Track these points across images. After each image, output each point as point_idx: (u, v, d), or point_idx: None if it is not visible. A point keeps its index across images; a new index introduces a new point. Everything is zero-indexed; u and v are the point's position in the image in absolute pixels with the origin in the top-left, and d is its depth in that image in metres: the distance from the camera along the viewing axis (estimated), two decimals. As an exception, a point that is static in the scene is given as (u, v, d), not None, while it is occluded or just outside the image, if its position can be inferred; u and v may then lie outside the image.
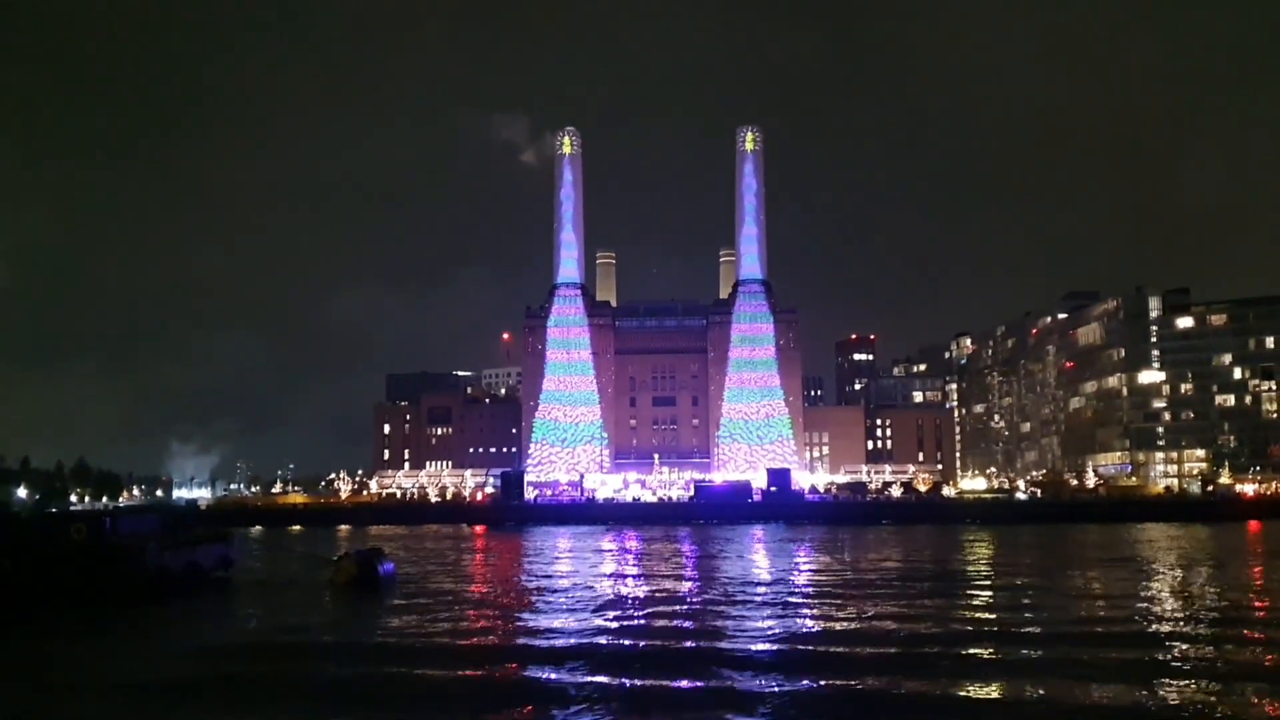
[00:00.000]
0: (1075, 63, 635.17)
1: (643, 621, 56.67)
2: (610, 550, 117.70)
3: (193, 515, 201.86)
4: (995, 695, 38.48)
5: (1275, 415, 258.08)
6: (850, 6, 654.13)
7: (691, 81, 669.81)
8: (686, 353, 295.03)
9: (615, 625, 55.31)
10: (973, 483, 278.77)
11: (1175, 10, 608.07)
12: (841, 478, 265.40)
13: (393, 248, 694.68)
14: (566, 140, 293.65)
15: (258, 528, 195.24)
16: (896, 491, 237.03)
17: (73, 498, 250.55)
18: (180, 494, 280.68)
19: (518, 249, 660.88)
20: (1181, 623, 55.08)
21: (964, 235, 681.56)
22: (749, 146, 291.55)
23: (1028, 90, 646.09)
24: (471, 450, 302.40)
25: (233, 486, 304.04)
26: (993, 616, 58.10)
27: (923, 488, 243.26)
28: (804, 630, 53.43)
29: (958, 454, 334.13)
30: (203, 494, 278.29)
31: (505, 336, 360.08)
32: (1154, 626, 53.80)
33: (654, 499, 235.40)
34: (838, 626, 54.54)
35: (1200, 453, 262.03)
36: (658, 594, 70.19)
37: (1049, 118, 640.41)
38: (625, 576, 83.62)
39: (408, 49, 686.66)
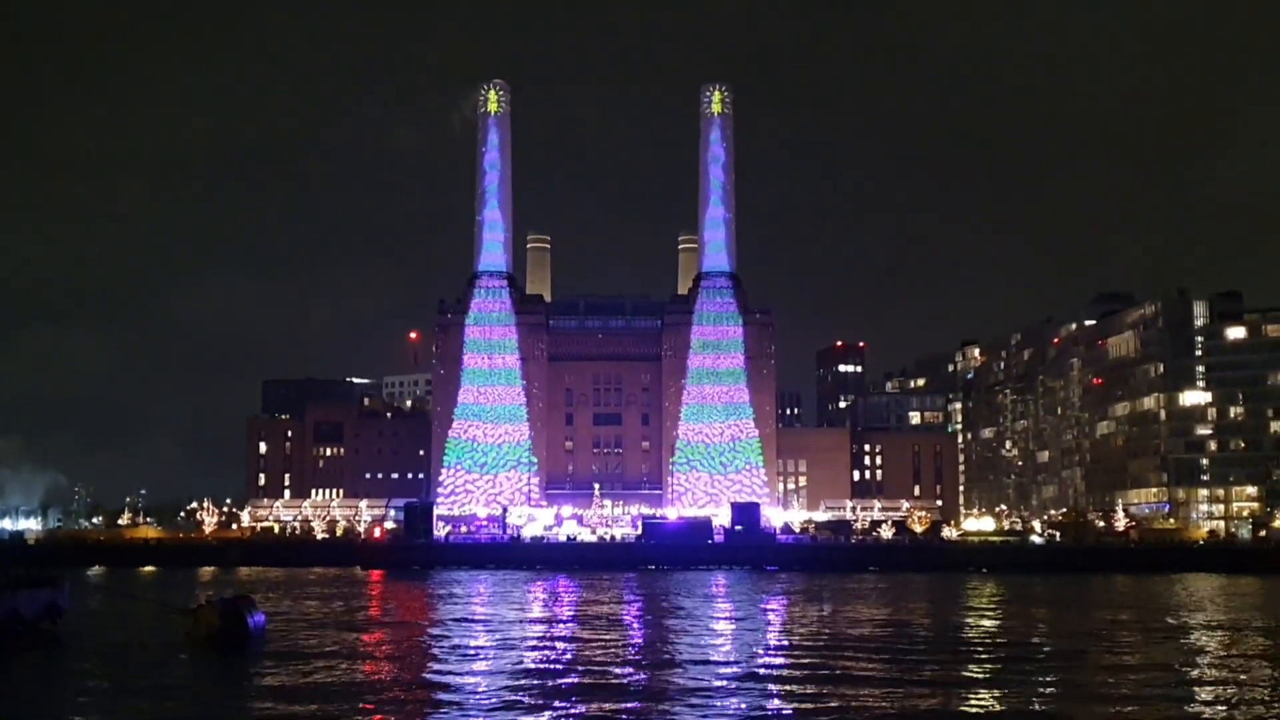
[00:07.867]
0: (1098, 31, 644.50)
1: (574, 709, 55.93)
2: (538, 601, 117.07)
3: (16, 552, 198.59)
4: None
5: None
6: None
7: (647, 31, 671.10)
8: (636, 360, 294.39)
9: (537, 702, 54.73)
10: (979, 523, 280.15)
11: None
12: (821, 515, 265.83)
13: (270, 228, 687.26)
14: (492, 95, 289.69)
15: (98, 568, 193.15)
16: (887, 532, 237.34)
17: None
18: (2, 525, 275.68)
19: (428, 231, 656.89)
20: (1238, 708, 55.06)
21: (972, 226, 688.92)
22: (716, 109, 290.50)
23: (1046, 61, 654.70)
24: (368, 475, 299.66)
25: (68, 515, 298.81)
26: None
27: (919, 528, 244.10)
28: None
29: (961, 488, 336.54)
30: (30, 525, 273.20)
31: (412, 336, 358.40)
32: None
33: (593, 538, 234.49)
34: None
35: (1252, 490, 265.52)
36: (593, 662, 69.81)
37: (1069, 95, 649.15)
38: (554, 640, 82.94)
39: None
